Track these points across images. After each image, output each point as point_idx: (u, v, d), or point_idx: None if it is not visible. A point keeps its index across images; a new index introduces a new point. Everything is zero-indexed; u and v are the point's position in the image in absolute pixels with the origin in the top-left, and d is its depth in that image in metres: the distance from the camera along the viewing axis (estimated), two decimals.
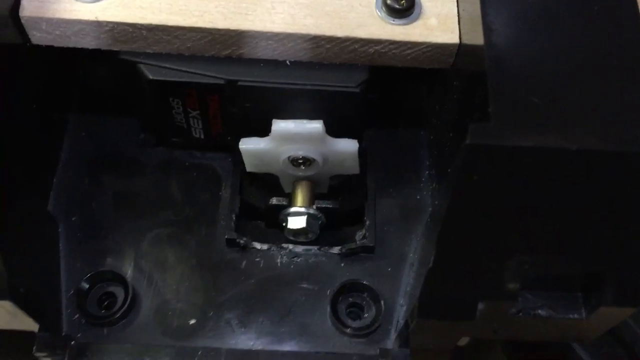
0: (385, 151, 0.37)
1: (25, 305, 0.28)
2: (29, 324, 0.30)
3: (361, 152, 0.34)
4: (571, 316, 0.28)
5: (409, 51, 0.31)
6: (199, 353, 0.31)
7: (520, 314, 0.28)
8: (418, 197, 0.36)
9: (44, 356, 0.30)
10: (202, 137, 0.36)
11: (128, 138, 0.37)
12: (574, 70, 0.26)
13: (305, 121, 0.31)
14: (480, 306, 0.27)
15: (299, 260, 0.35)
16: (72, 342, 0.31)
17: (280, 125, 0.31)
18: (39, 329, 0.31)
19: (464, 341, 0.41)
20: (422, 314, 0.27)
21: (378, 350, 0.32)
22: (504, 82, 0.25)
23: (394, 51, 0.31)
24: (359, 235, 0.35)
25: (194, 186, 0.36)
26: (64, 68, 0.35)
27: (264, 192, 0.36)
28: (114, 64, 0.32)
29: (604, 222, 0.25)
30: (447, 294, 0.27)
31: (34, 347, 0.30)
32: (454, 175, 0.26)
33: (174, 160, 0.37)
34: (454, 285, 0.26)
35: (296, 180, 0.35)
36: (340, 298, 0.33)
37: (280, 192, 0.35)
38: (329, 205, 0.35)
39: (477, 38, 0.29)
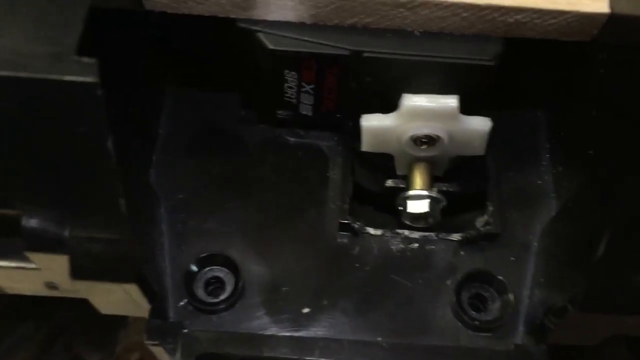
0: (503, 132, 0.34)
1: (145, 288, 0.26)
2: (142, 310, 0.28)
3: None
4: None
5: (552, 21, 0.29)
6: (320, 344, 0.29)
7: None
8: (539, 181, 0.34)
9: (155, 344, 0.29)
10: (310, 113, 0.34)
11: (228, 114, 0.35)
12: None
13: (438, 96, 0.29)
14: None
15: (415, 247, 0.32)
16: (185, 330, 0.29)
17: (412, 100, 0.29)
18: (150, 315, 0.29)
19: None
20: (585, 307, 0.25)
21: (512, 346, 0.29)
22: None
23: (535, 21, 0.29)
24: (480, 221, 0.33)
25: (299, 166, 0.34)
26: (166, 39, 0.33)
27: (377, 174, 0.33)
28: (224, 33, 0.30)
29: None
30: (615, 285, 0.24)
31: (145, 336, 0.28)
32: (622, 156, 0.24)
33: (278, 138, 0.35)
34: (624, 275, 0.24)
35: (414, 162, 0.32)
36: (463, 288, 0.31)
37: (393, 174, 0.33)
38: (450, 189, 0.32)
39: (632, 7, 0.26)
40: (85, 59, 0.22)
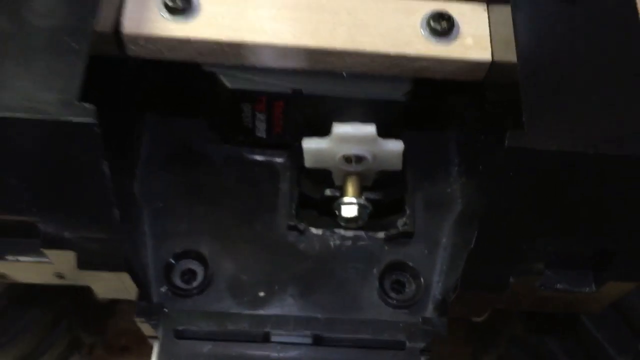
0: (419, 150, 0.42)
1: (133, 276, 0.34)
2: (131, 294, 0.36)
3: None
4: (584, 290, 0.34)
5: (448, 66, 0.37)
6: (272, 319, 0.37)
7: (543, 287, 0.34)
8: (449, 190, 0.42)
9: (142, 321, 0.36)
10: (264, 136, 0.41)
11: (197, 136, 0.43)
12: (591, 80, 0.32)
13: (361, 124, 0.37)
14: (512, 280, 0.33)
15: (349, 243, 0.40)
16: (165, 310, 0.36)
17: (340, 128, 0.37)
18: (137, 298, 0.37)
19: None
20: (464, 287, 0.33)
21: (420, 319, 0.37)
22: (534, 94, 0.31)
23: (435, 66, 0.37)
24: (400, 222, 0.41)
25: (256, 179, 0.42)
26: (146, 76, 0.41)
27: (318, 185, 0.41)
28: (192, 72, 0.38)
29: (614, 210, 0.31)
30: (485, 270, 0.33)
31: (135, 315, 0.36)
32: (493, 173, 0.32)
33: (238, 155, 0.43)
34: (491, 263, 0.32)
35: (347, 174, 0.40)
36: (386, 275, 0.39)
37: (331, 185, 0.41)
38: (375, 197, 0.40)
39: (508, 56, 0.34)
40: (86, 105, 0.29)
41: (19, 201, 0.31)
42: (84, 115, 0.29)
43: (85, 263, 0.32)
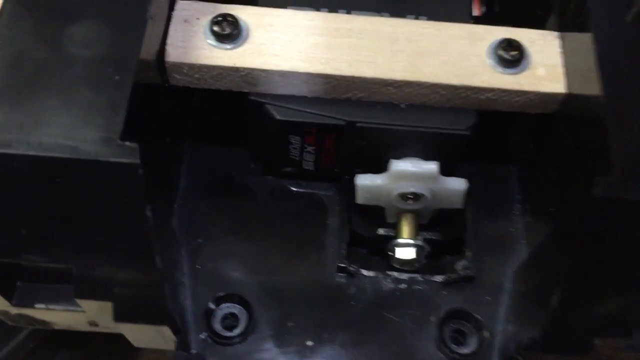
0: (480, 185, 0.39)
1: (173, 327, 0.31)
2: (169, 344, 0.33)
3: None
4: None
5: (517, 99, 0.34)
6: None
7: (630, 349, 0.30)
8: (511, 229, 0.39)
9: None
10: (312, 168, 0.38)
11: (239, 167, 0.40)
12: None
13: (421, 161, 0.34)
14: (597, 341, 0.29)
15: (403, 287, 0.37)
16: None
17: (398, 165, 0.34)
18: (176, 347, 0.34)
19: None
20: (545, 349, 0.30)
21: None
22: (623, 136, 0.28)
23: (503, 98, 0.34)
24: (459, 265, 0.37)
25: (302, 214, 0.39)
26: (186, 104, 0.38)
27: (370, 222, 0.38)
28: (236, 101, 0.35)
29: None
30: (568, 331, 0.29)
31: None
32: (573, 222, 0.29)
33: (283, 188, 0.40)
34: (574, 324, 0.29)
35: (401, 212, 0.37)
36: (445, 324, 0.36)
37: (384, 222, 0.38)
38: (433, 237, 0.37)
39: (585, 88, 0.31)
40: (128, 144, 0.27)
41: (52, 245, 0.28)
42: (126, 155, 0.26)
43: (122, 315, 0.29)
